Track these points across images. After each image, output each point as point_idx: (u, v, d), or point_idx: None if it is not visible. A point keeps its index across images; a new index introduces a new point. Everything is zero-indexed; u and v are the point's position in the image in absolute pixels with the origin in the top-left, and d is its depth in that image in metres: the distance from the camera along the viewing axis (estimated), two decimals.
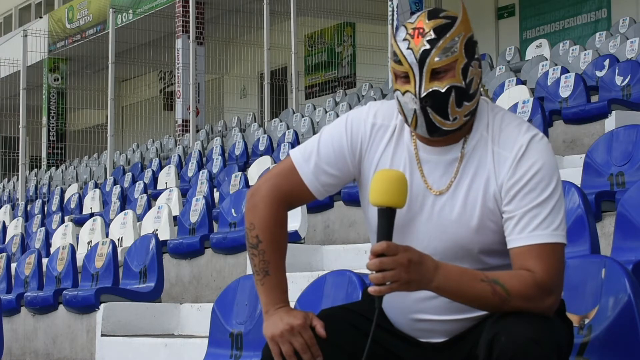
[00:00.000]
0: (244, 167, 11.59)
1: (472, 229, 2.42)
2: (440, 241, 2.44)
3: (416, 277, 2.27)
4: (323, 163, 2.52)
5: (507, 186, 2.40)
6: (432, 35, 2.39)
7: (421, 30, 2.40)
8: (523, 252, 2.37)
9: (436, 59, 2.38)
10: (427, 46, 2.38)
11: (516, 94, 9.21)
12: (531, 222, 2.37)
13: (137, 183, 12.40)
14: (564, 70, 9.96)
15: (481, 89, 2.49)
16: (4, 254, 8.11)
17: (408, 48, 2.40)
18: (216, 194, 9.87)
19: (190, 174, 12.58)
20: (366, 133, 2.52)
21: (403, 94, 2.42)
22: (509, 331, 2.27)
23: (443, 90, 2.38)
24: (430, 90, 2.38)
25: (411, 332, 2.52)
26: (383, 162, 2.50)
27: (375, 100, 16.58)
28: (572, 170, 6.40)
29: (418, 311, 2.48)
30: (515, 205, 2.39)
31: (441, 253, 2.40)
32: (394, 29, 2.48)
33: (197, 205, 7.90)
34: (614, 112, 7.90)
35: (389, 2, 15.22)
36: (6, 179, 22.25)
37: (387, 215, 2.28)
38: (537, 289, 2.32)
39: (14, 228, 12.03)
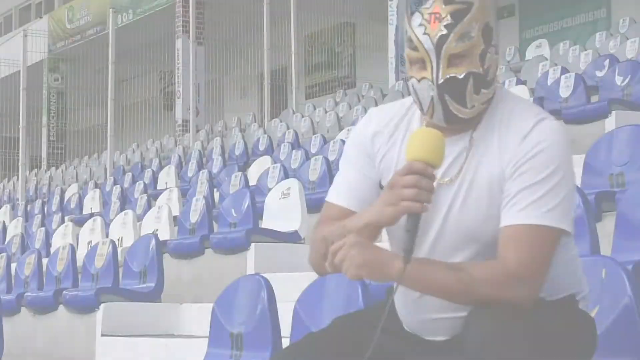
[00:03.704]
0: (244, 167, 11.58)
1: (481, 217, 2.35)
2: (449, 230, 2.38)
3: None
4: (355, 182, 2.46)
5: (509, 167, 2.33)
6: (449, 20, 2.32)
7: (438, 15, 2.33)
8: (504, 234, 2.29)
9: (454, 44, 2.31)
10: (445, 31, 2.32)
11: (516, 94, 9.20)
12: (521, 201, 2.28)
13: (137, 183, 12.40)
14: (564, 70, 9.96)
15: None
16: (4, 254, 8.12)
17: (424, 33, 2.33)
18: (216, 194, 9.87)
19: (190, 174, 12.58)
20: (368, 141, 2.48)
21: (419, 81, 2.36)
22: (477, 323, 2.23)
23: (461, 77, 2.32)
24: (448, 76, 2.32)
25: (418, 331, 2.49)
26: (388, 160, 2.45)
27: (374, 100, 16.47)
28: None
29: (429, 310, 2.42)
30: (512, 183, 2.31)
31: (450, 242, 2.37)
32: (397, 24, 2.45)
33: (197, 205, 7.89)
34: (614, 112, 7.89)
35: (389, 2, 15.22)
36: (6, 179, 22.24)
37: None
38: (504, 276, 2.24)
39: (14, 228, 12.02)
